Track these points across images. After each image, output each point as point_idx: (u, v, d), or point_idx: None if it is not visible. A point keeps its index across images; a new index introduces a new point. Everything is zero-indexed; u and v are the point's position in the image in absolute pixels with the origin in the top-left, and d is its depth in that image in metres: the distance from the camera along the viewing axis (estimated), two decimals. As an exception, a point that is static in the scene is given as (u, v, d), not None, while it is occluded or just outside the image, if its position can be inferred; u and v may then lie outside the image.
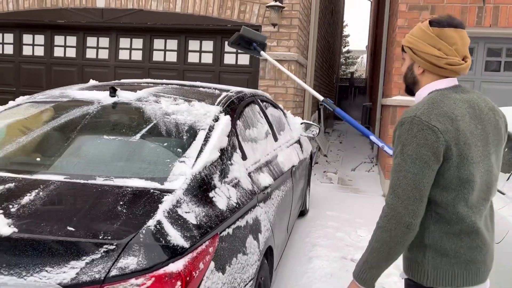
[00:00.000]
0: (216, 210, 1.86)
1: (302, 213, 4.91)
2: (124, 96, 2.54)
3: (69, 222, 1.48)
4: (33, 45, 7.45)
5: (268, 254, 2.50)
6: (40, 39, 7.40)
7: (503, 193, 2.43)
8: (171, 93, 2.70)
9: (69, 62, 7.31)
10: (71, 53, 7.32)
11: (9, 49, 7.54)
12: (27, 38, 7.46)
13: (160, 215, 1.59)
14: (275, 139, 3.38)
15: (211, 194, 1.92)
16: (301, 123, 4.41)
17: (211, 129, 2.26)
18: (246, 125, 2.77)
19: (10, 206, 1.55)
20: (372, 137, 2.82)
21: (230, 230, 1.91)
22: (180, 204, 1.71)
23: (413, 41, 1.51)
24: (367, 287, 1.44)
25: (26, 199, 1.60)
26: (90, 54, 7.26)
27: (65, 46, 7.35)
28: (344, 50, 33.71)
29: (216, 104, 2.56)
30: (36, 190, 1.67)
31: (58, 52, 7.38)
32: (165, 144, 2.15)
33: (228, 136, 2.33)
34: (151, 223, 1.54)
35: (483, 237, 1.43)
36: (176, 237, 1.55)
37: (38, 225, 1.46)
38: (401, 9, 5.96)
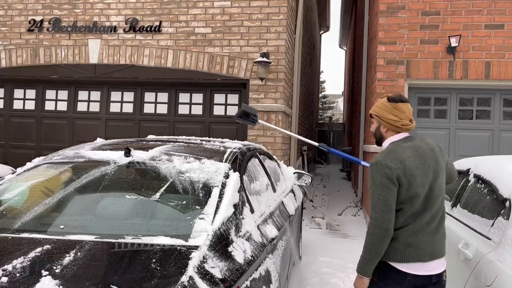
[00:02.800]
0: (236, 263, 2.02)
1: (296, 260, 5.02)
2: (138, 155, 2.72)
3: (111, 281, 1.62)
4: (24, 99, 7.59)
5: (276, 303, 2.63)
6: (31, 93, 7.56)
7: (489, 238, 2.66)
8: (180, 151, 2.89)
9: (60, 115, 7.45)
10: (62, 106, 7.48)
11: (-1, 103, 7.65)
12: (18, 92, 7.61)
13: (191, 271, 1.74)
14: (274, 190, 3.57)
15: (229, 249, 2.07)
16: (294, 173, 4.64)
17: (223, 185, 2.45)
18: (250, 179, 2.96)
19: (54, 267, 1.67)
20: (363, 163, 3.44)
21: (248, 283, 2.05)
22: (206, 259, 1.86)
23: (379, 111, 2.38)
24: (368, 276, 2.18)
25: (67, 259, 1.73)
26: (81, 107, 7.43)
27: (56, 100, 7.51)
28: (320, 95, 34.84)
29: (224, 161, 2.76)
30: (74, 251, 1.80)
31: (49, 105, 7.53)
32: (183, 201, 2.31)
33: (238, 191, 2.52)
34: (184, 279, 1.68)
35: (422, 232, 2.18)
36: (207, 291, 1.69)
37: (85, 285, 1.59)
38: (379, 63, 6.43)
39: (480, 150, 6.31)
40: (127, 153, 2.71)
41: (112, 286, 1.59)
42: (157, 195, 2.33)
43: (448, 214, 3.56)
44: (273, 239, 2.68)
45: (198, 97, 7.12)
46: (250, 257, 2.18)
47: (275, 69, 6.61)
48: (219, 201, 2.30)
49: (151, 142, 3.23)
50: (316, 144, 3.63)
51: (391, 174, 2.12)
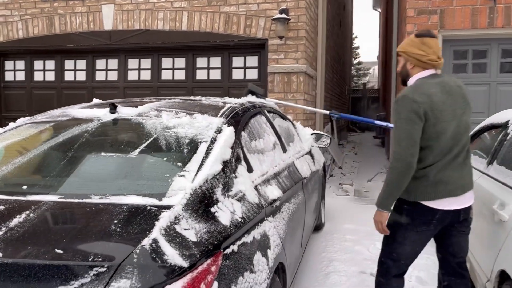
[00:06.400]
0: (219, 226, 1.75)
1: (318, 227, 4.74)
2: (124, 112, 2.47)
3: (57, 244, 1.38)
4: (44, 70, 7.56)
5: (279, 271, 2.37)
6: (50, 64, 7.50)
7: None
8: (173, 107, 2.62)
9: (79, 86, 7.37)
10: (81, 76, 7.39)
11: (21, 76, 7.66)
12: (38, 64, 7.57)
13: (156, 233, 1.48)
14: (284, 150, 3.26)
15: (213, 209, 1.80)
16: (312, 134, 4.29)
17: (213, 141, 2.16)
18: (251, 137, 2.66)
19: (-3, 229, 1.46)
20: (377, 122, 3.45)
21: (235, 247, 1.78)
22: (178, 220, 1.60)
23: (405, 47, 2.32)
24: (387, 210, 2.23)
25: (14, 221, 1.51)
26: (100, 76, 7.32)
27: (75, 70, 7.42)
28: (355, 62, 33.64)
29: (219, 116, 2.47)
30: (27, 212, 1.58)
31: (68, 76, 7.46)
32: (165, 158, 2.05)
33: (232, 147, 2.23)
34: (146, 242, 1.43)
35: (449, 168, 2.18)
36: (173, 256, 1.43)
37: (24, 249, 1.36)
38: (409, 15, 5.86)
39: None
40: (113, 109, 2.47)
41: (57, 251, 1.35)
42: (136, 152, 2.07)
43: (482, 172, 3.14)
44: (274, 200, 2.39)
45: (215, 61, 6.81)
46: (239, 219, 1.90)
47: (295, 26, 6.17)
48: (205, 157, 2.02)
49: (146, 100, 2.98)
50: (327, 112, 3.74)
51: (417, 108, 2.09)
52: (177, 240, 1.51)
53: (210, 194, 1.85)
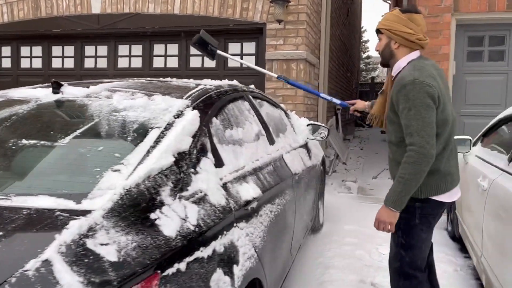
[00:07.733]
0: (159, 237, 1.31)
1: (315, 228, 4.30)
2: (70, 92, 2.04)
3: None
4: (31, 57, 7.16)
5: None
6: (37, 50, 7.11)
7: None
8: (133, 87, 2.18)
9: (67, 73, 6.97)
10: (69, 63, 6.99)
11: (7, 63, 7.27)
12: (24, 50, 7.18)
13: (51, 251, 1.04)
14: (271, 142, 2.81)
15: (153, 215, 1.36)
16: (308, 125, 3.83)
17: (168, 127, 1.72)
18: (227, 125, 2.21)
19: None
20: (322, 95, 3.32)
21: (181, 266, 1.34)
22: (94, 232, 1.16)
23: (390, 24, 2.07)
24: (400, 209, 1.97)
25: None
26: (89, 63, 6.91)
27: (63, 57, 7.02)
28: (364, 56, 32.94)
29: (184, 97, 2.02)
30: None
31: (56, 63, 7.06)
32: (101, 148, 1.61)
33: (194, 136, 1.78)
34: (31, 265, 0.99)
35: (451, 157, 2.06)
36: (71, 285, 1.00)
37: None
38: (420, -4, 5.34)
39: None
40: (56, 89, 2.03)
41: None
42: (66, 140, 1.63)
43: (503, 170, 2.66)
44: (248, 202, 1.94)
45: (210, 48, 6.34)
46: (192, 228, 1.46)
47: (295, 9, 5.69)
48: (152, 147, 1.58)
49: (106, 80, 2.54)
50: (275, 75, 3.58)
51: (433, 92, 1.89)
52: (85, 261, 1.08)
53: (151, 195, 1.41)
